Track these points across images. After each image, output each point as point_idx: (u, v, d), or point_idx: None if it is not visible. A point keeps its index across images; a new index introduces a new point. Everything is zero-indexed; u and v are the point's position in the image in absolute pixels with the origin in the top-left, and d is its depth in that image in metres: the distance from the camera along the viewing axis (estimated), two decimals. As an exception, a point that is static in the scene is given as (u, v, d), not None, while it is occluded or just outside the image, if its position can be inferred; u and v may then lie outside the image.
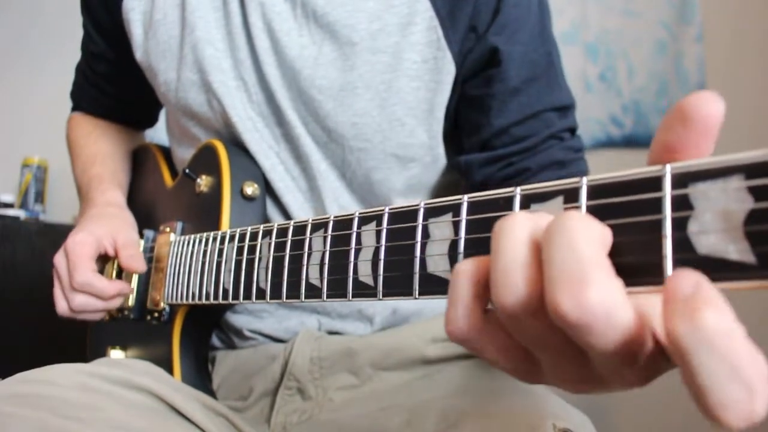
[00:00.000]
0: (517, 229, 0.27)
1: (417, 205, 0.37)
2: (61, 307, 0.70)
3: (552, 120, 0.69)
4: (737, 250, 0.23)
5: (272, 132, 0.73)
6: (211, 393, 0.71)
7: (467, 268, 0.29)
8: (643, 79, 1.71)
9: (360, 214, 0.41)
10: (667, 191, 0.25)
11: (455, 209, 0.34)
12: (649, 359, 0.26)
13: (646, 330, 0.25)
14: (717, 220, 0.23)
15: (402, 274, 0.37)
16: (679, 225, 0.25)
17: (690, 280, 0.23)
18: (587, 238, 0.24)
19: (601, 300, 0.23)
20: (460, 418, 0.55)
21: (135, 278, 0.76)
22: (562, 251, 0.24)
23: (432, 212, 0.36)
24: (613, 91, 1.74)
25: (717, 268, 0.23)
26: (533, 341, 0.28)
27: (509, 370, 0.30)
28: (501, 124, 0.68)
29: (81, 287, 0.68)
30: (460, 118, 0.71)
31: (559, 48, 0.73)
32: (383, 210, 0.39)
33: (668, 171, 0.25)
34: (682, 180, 0.25)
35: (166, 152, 0.90)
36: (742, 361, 0.21)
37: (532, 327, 0.27)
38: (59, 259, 0.70)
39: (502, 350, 0.29)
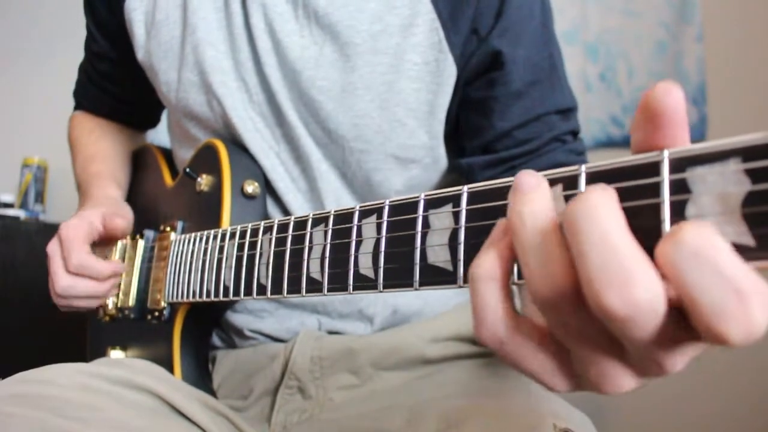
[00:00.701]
0: (540, 218, 0.27)
1: (417, 197, 0.37)
2: (57, 291, 0.69)
3: (554, 123, 0.69)
4: (736, 233, 0.23)
5: (272, 132, 0.73)
6: (212, 392, 0.71)
7: (488, 270, 0.29)
8: (643, 79, 1.71)
9: (360, 207, 0.41)
10: (665, 176, 0.25)
11: (455, 200, 0.34)
12: (673, 329, 0.26)
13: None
14: (715, 203, 0.24)
15: (402, 266, 0.37)
16: (678, 209, 0.25)
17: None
18: (618, 227, 0.24)
19: (648, 296, 0.23)
20: (460, 418, 0.55)
21: (135, 278, 0.76)
22: (598, 248, 0.24)
23: (432, 203, 0.36)
24: (613, 91, 1.74)
25: (717, 251, 0.23)
26: (571, 333, 0.27)
27: (541, 374, 0.30)
28: (503, 127, 0.68)
29: (76, 269, 0.68)
30: (461, 120, 0.71)
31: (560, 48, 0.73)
32: (384, 203, 0.39)
33: (666, 156, 0.25)
34: (680, 164, 0.25)
35: (166, 153, 0.90)
36: (726, 268, 0.22)
37: (570, 317, 0.27)
38: (53, 246, 0.70)
39: (535, 352, 0.29)
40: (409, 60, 0.67)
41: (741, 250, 0.23)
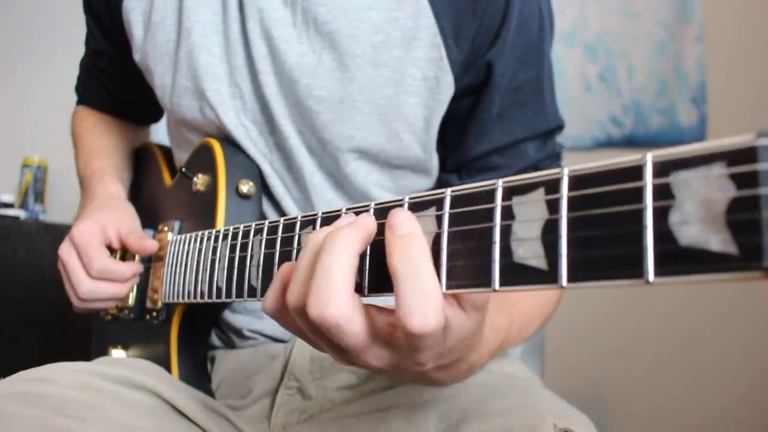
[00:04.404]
0: (308, 250, 0.37)
1: (402, 200, 0.37)
2: (79, 295, 0.68)
3: (530, 151, 0.69)
4: (719, 240, 0.22)
5: (265, 140, 0.72)
6: (210, 393, 0.71)
7: (282, 269, 0.40)
8: (643, 79, 1.70)
9: (347, 209, 0.41)
10: (648, 180, 0.24)
11: (438, 203, 0.34)
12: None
13: (382, 332, 0.36)
14: (699, 209, 0.23)
15: (387, 269, 0.36)
16: (661, 215, 0.24)
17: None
18: (343, 262, 0.34)
19: (333, 314, 0.34)
20: (460, 417, 0.55)
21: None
22: (322, 271, 0.34)
23: (416, 207, 0.36)
24: (613, 91, 1.73)
25: (699, 260, 0.23)
26: (298, 331, 0.39)
27: (317, 347, 0.41)
28: (480, 149, 0.69)
29: (100, 274, 0.67)
30: (445, 133, 0.72)
31: (560, 48, 0.72)
32: (369, 205, 0.39)
33: (649, 159, 0.25)
34: (663, 168, 0.24)
35: (167, 151, 0.90)
36: (421, 266, 0.33)
37: (298, 321, 0.38)
38: (66, 250, 0.69)
39: (299, 332, 0.40)
40: (410, 74, 0.66)
41: (724, 259, 0.22)
